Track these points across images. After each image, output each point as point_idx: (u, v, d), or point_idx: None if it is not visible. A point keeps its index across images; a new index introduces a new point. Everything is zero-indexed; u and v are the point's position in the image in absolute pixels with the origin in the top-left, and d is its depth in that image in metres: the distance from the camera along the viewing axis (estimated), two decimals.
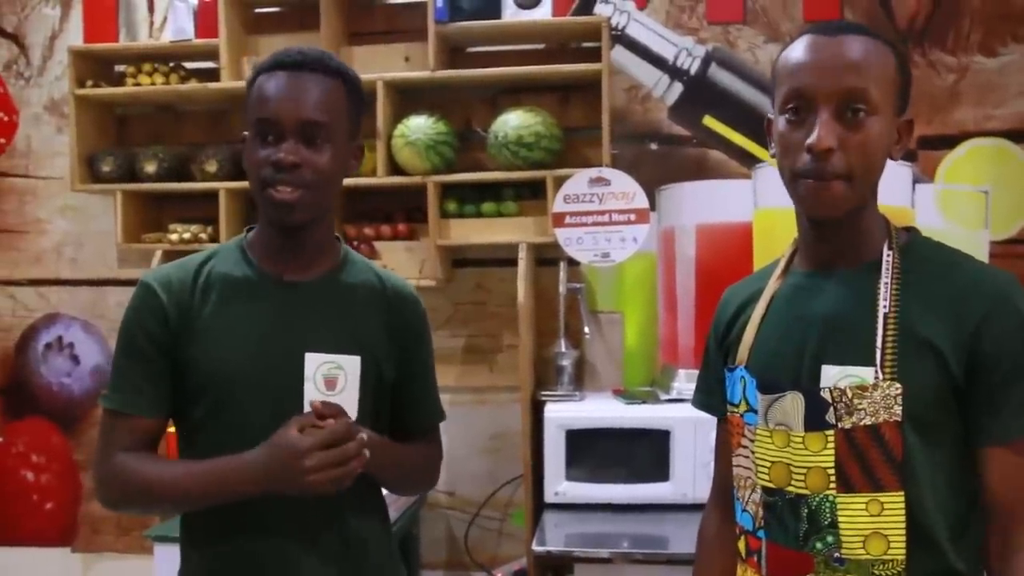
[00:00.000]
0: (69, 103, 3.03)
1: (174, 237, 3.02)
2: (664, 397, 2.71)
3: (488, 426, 3.08)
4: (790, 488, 1.27)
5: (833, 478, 1.23)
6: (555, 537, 2.39)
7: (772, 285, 1.37)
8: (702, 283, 2.83)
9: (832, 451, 1.23)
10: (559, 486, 2.58)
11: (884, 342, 1.21)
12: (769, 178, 2.65)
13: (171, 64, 3.08)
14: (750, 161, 2.91)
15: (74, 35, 3.24)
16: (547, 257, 2.98)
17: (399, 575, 1.61)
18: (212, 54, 3.00)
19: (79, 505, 3.29)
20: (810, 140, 1.20)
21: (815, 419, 1.24)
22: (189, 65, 3.12)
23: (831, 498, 1.23)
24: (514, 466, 2.94)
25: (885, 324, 1.22)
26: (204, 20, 2.98)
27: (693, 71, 2.97)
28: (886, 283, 1.24)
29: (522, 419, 2.71)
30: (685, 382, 2.70)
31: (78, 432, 3.28)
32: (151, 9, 3.21)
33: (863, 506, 1.22)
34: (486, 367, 3.08)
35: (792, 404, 1.26)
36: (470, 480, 3.08)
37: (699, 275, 2.83)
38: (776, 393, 1.28)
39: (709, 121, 2.97)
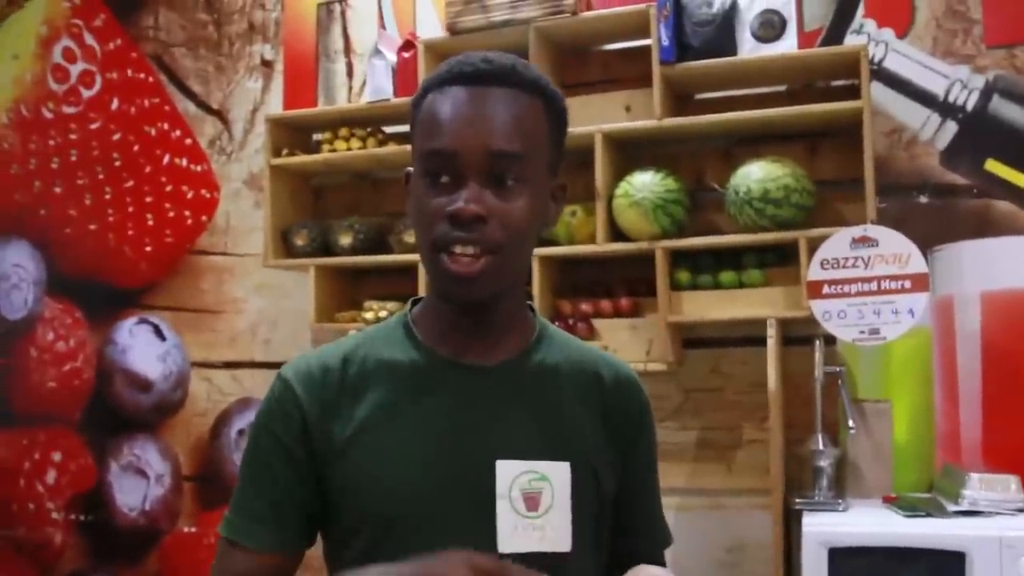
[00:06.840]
0: (265, 174, 3.05)
1: (369, 316, 2.89)
2: (952, 508, 2.30)
3: (724, 536, 2.77)
4: None
5: None
6: None
7: None
8: (990, 363, 2.51)
9: None
10: None
11: None
12: None
13: (368, 128, 3.00)
14: None
15: (275, 106, 3.31)
16: (795, 335, 2.67)
17: None
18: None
19: None
20: None
21: None
22: (388, 129, 3.04)
23: None
24: None
25: None
26: (403, 78, 2.88)
27: (970, 106, 2.66)
28: None
29: (773, 531, 2.44)
30: (979, 489, 2.30)
31: None
32: (350, 74, 3.23)
33: None
34: (723, 466, 2.79)
35: None
36: None
37: (986, 354, 2.52)
38: None
39: (992, 165, 2.65)
